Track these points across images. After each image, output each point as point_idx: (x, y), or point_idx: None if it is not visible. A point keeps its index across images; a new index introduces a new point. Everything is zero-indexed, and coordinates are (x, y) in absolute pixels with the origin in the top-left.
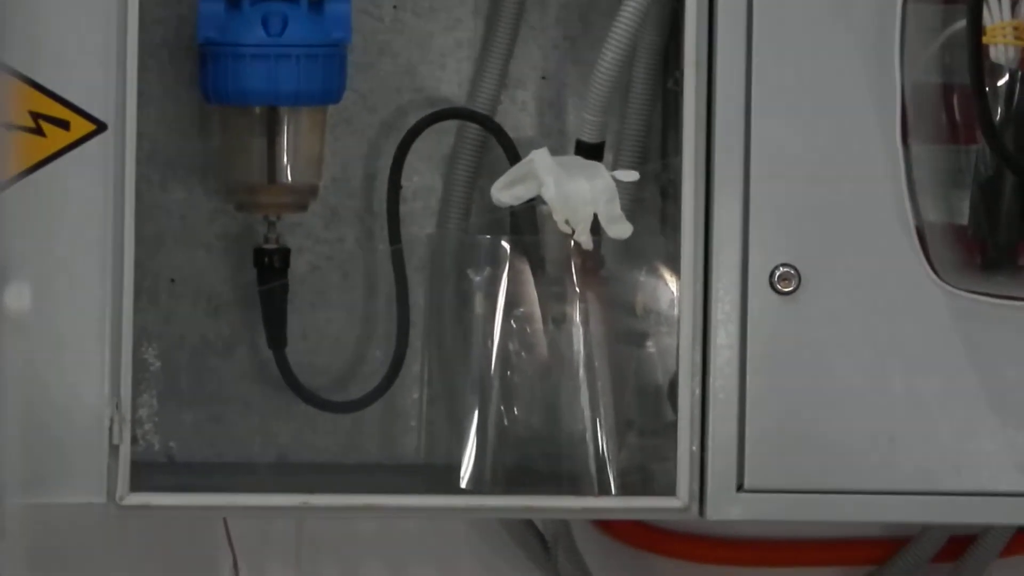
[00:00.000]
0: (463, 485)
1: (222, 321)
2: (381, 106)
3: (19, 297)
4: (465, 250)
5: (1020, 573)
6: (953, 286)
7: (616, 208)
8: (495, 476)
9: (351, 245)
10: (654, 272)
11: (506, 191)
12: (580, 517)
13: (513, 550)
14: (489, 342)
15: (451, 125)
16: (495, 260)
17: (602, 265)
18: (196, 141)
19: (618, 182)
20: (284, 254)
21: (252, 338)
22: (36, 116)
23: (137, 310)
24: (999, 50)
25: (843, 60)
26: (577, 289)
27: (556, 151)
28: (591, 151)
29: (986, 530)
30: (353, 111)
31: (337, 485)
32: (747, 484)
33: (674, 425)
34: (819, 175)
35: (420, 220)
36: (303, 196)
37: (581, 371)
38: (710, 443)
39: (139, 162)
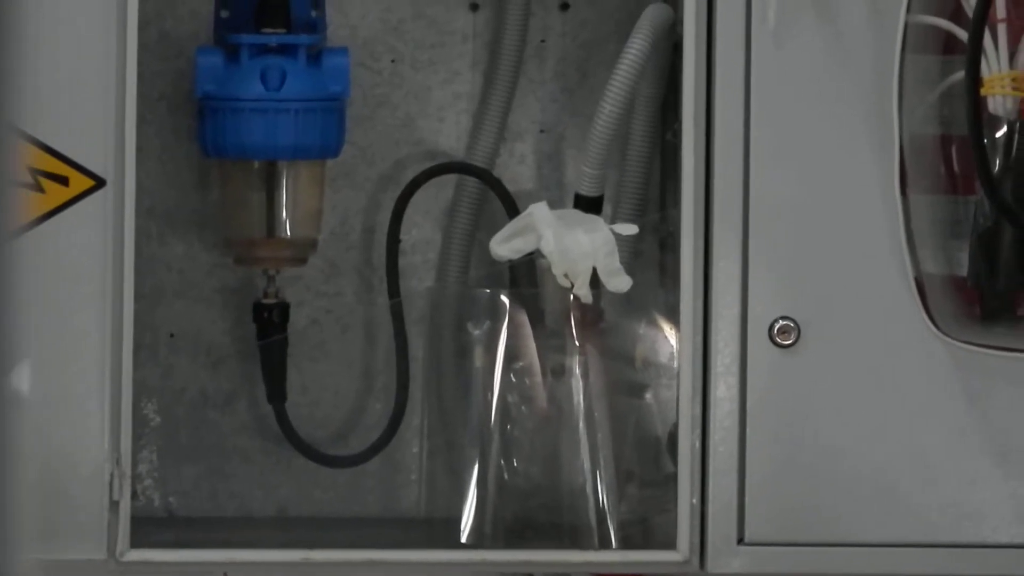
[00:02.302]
0: (463, 539)
1: (221, 375)
2: (380, 160)
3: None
4: (464, 303)
5: None
6: (952, 337)
7: (615, 261)
8: (495, 529)
9: (350, 299)
10: (653, 324)
11: (505, 244)
12: (581, 571)
13: None
14: (489, 395)
15: (450, 178)
16: (494, 313)
17: (601, 318)
18: (195, 195)
19: (617, 235)
20: (283, 308)
21: (252, 392)
22: (35, 172)
23: (136, 365)
24: (997, 101)
25: (841, 111)
26: (576, 342)
27: (555, 204)
28: (590, 204)
29: None
30: (352, 165)
31: (337, 539)
32: (748, 537)
33: (674, 477)
34: (818, 227)
35: (419, 274)
36: (302, 250)
37: (581, 424)
38: (710, 496)
39: (138, 216)
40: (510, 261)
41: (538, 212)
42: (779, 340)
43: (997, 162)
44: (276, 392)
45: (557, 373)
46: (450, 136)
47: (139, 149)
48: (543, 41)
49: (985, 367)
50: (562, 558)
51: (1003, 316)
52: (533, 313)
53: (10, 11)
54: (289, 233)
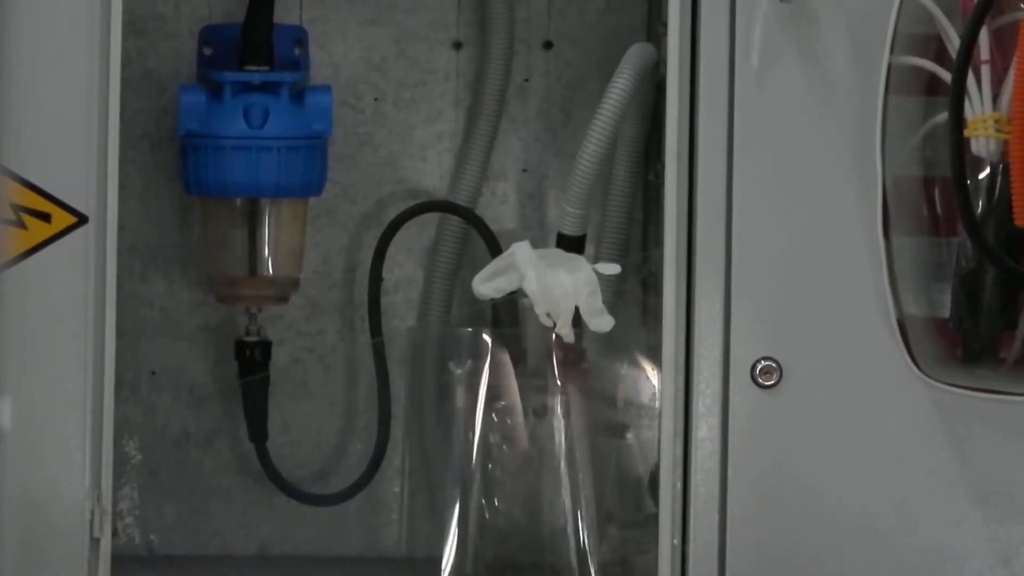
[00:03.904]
0: None
1: (203, 414)
2: (362, 198)
3: None
4: (446, 343)
5: None
6: (934, 379)
7: (597, 301)
8: (476, 569)
9: (332, 338)
10: (635, 365)
11: (487, 284)
12: None
13: None
14: (470, 434)
15: (432, 217)
16: (476, 353)
17: (583, 357)
18: (177, 233)
19: (600, 275)
20: (265, 347)
21: (233, 431)
22: (17, 209)
23: (118, 402)
24: (980, 143)
25: (824, 152)
26: (558, 381)
27: (537, 244)
28: (572, 244)
29: None
30: (334, 203)
31: None
32: None
33: (655, 518)
34: (800, 268)
35: (401, 313)
36: (284, 288)
37: (562, 463)
38: (691, 536)
39: (120, 254)
40: (492, 300)
41: (520, 251)
42: (761, 381)
43: (980, 204)
44: (257, 431)
45: (539, 413)
46: (433, 175)
47: (121, 187)
48: (526, 80)
49: (967, 409)
50: None
51: (985, 358)
52: (515, 352)
53: None
54: (271, 271)
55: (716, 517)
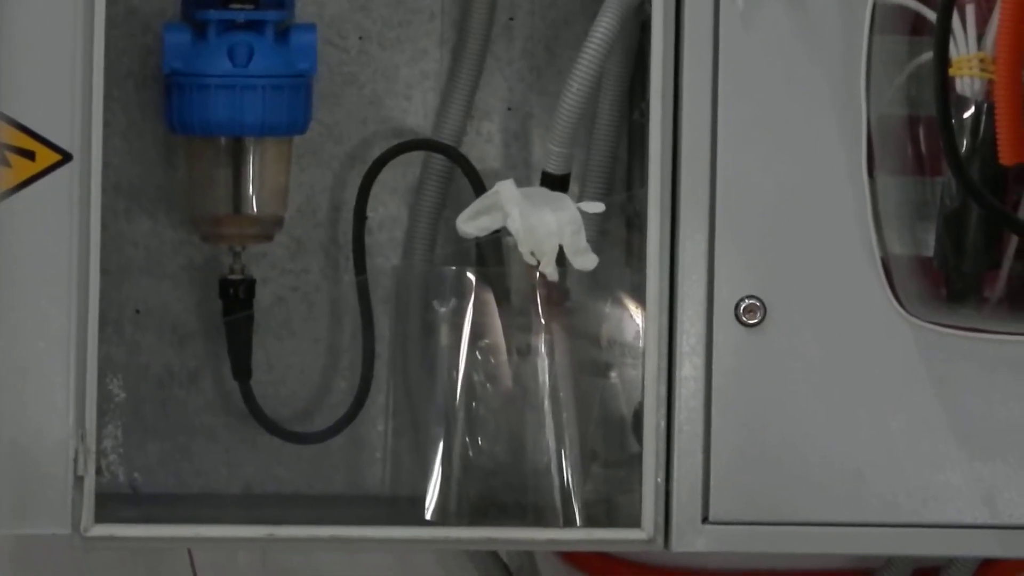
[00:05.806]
0: (428, 516)
1: (187, 352)
2: (346, 137)
3: None
4: (431, 281)
5: None
6: (918, 318)
7: (582, 239)
8: (460, 507)
9: (316, 276)
10: (619, 304)
11: (471, 222)
12: (545, 548)
13: None
14: (454, 373)
15: (416, 156)
16: (460, 291)
17: (567, 296)
18: (161, 172)
19: (584, 213)
20: (249, 285)
21: (217, 369)
22: (1, 147)
23: (102, 341)
24: (965, 82)
25: (809, 91)
26: (542, 320)
27: (522, 182)
28: (557, 182)
29: (950, 562)
30: (318, 142)
31: (302, 516)
32: (712, 516)
33: (639, 457)
34: (785, 207)
35: (386, 251)
36: (268, 227)
37: (546, 402)
38: (675, 475)
39: (104, 192)
40: (476, 239)
41: (505, 190)
42: (745, 319)
43: (964, 143)
44: (241, 369)
45: (523, 352)
46: (417, 114)
47: (105, 125)
48: (511, 19)
49: (951, 348)
50: (526, 536)
51: (969, 297)
52: (499, 291)
53: None
54: (255, 210)
55: (700, 456)
